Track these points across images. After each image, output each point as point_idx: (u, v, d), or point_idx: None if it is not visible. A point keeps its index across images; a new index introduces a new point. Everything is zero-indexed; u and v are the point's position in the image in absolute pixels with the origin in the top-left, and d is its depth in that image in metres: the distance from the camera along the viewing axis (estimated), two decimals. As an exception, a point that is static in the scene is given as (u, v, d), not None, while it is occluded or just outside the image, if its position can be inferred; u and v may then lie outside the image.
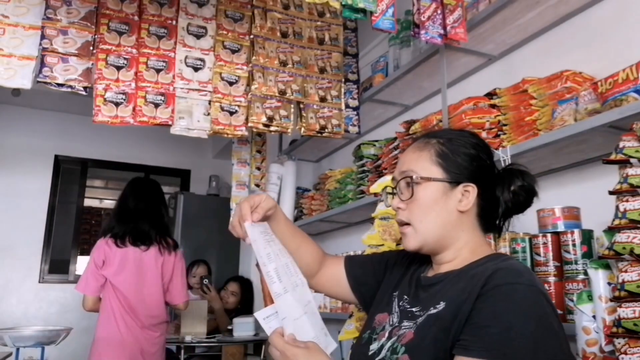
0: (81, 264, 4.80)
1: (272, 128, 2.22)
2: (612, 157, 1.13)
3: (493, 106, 1.75)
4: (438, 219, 0.97)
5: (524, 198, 0.99)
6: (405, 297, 1.03)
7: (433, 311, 0.90)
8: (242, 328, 3.24)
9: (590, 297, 1.19)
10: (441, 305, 0.90)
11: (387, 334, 0.97)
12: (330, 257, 1.24)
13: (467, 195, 0.97)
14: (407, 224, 0.99)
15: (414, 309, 0.96)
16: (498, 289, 0.83)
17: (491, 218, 1.01)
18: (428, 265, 1.07)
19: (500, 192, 0.99)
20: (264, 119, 2.19)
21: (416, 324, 0.92)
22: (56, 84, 1.91)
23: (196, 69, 2.14)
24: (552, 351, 0.80)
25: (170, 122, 2.06)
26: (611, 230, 1.11)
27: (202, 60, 2.16)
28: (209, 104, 2.14)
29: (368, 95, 2.52)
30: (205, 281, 3.43)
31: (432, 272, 1.03)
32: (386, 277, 1.14)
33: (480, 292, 0.84)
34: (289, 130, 2.26)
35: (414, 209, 0.98)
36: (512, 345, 0.78)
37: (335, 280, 1.20)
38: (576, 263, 1.32)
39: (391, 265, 1.15)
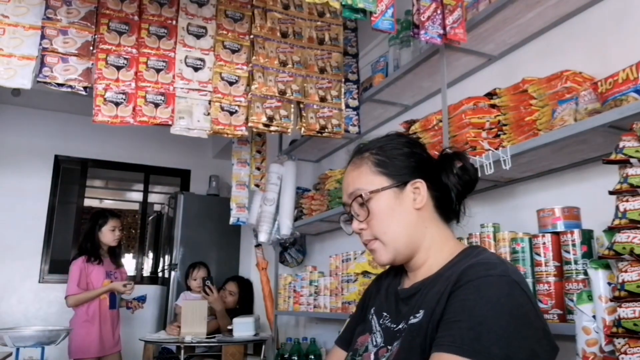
0: (81, 264, 4.79)
1: (272, 128, 2.21)
2: (612, 157, 1.13)
3: (493, 106, 1.75)
4: (400, 223, 0.97)
5: (469, 175, 1.01)
6: (385, 314, 1.01)
7: (413, 320, 0.89)
8: (242, 328, 3.24)
9: (590, 297, 1.19)
10: (420, 314, 0.88)
11: (372, 356, 0.94)
12: None
13: (418, 191, 0.98)
14: (373, 239, 0.99)
15: (400, 326, 0.93)
16: (470, 283, 0.82)
17: (448, 206, 1.02)
18: (403, 276, 1.05)
19: (446, 177, 1.00)
20: (264, 119, 2.19)
21: (401, 338, 0.90)
22: (56, 84, 1.91)
23: (196, 69, 2.14)
24: (527, 344, 0.77)
25: (170, 122, 2.06)
26: (611, 230, 1.11)
27: (202, 60, 2.16)
28: (209, 103, 2.14)
29: (368, 95, 2.51)
30: (208, 283, 3.42)
31: (409, 282, 1.01)
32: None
33: (452, 289, 0.83)
34: (289, 130, 2.26)
35: (375, 223, 0.98)
36: (483, 340, 0.75)
37: None
38: (576, 263, 1.32)
39: (370, 297, 1.13)
